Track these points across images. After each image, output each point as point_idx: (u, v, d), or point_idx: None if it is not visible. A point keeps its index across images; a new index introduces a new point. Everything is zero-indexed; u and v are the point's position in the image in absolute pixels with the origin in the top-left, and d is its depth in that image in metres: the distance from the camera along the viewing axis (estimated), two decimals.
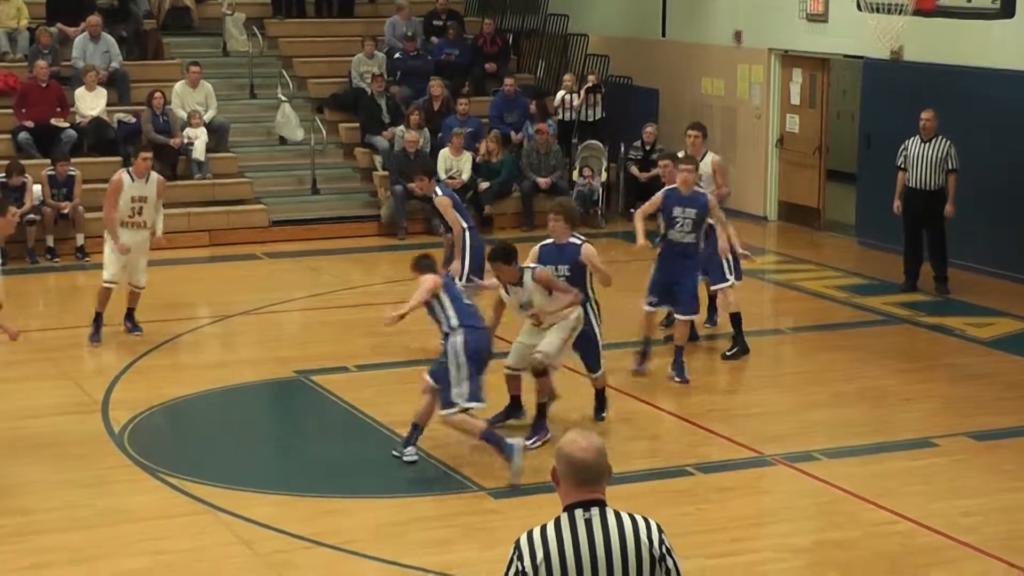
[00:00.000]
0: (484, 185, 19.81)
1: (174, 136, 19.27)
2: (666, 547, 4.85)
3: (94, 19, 20.26)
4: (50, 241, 17.89)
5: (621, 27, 23.00)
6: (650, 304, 12.71)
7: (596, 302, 11.32)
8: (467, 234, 13.46)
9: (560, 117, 21.25)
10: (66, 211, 17.87)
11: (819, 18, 19.37)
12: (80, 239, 17.81)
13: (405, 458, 10.56)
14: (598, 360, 11.34)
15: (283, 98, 20.83)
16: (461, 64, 22.25)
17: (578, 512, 4.79)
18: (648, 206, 12.88)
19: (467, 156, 19.86)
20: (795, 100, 20.20)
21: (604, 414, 11.56)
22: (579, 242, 11.18)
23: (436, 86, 20.93)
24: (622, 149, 20.93)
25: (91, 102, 19.45)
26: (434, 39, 22.57)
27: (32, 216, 17.66)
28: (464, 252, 13.33)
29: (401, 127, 20.08)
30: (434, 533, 9.46)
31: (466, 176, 19.72)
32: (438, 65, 21.91)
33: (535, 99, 21.22)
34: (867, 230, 18.59)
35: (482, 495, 10.11)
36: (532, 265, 10.94)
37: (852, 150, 19.76)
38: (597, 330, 11.29)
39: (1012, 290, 16.35)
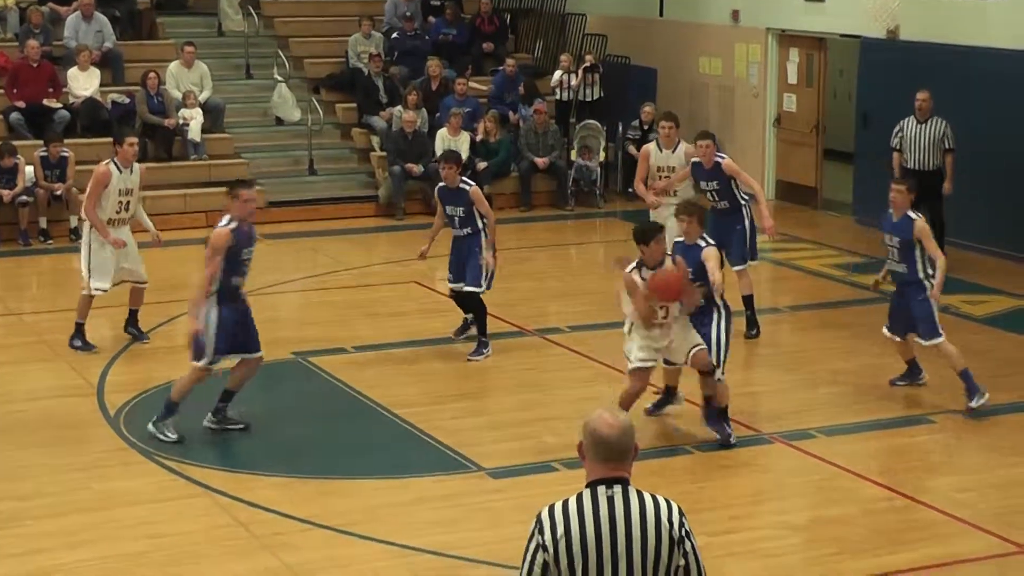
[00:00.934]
0: (482, 165, 19.77)
1: (169, 117, 19.20)
2: (686, 530, 4.87)
3: None
4: (43, 223, 17.80)
5: (619, 6, 22.94)
6: None
7: (726, 305, 10.78)
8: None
9: (558, 97, 21.21)
10: (59, 192, 17.78)
11: None
12: (74, 221, 17.64)
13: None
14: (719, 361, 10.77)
15: (279, 78, 20.76)
16: (459, 44, 22.20)
17: (601, 489, 4.81)
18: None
19: (465, 136, 19.82)
20: (792, 79, 20.17)
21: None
22: (704, 245, 10.65)
23: (434, 66, 20.88)
24: (620, 129, 20.89)
25: (84, 82, 19.34)
26: (431, 19, 22.53)
27: (25, 198, 17.58)
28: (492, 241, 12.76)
29: (399, 107, 20.05)
30: (433, 514, 9.45)
31: (464, 156, 19.69)
32: (435, 45, 21.87)
33: (525, 80, 21.18)
34: (864, 209, 18.56)
35: (481, 475, 10.11)
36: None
37: (849, 129, 19.73)
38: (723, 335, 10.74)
39: (1008, 268, 16.37)
